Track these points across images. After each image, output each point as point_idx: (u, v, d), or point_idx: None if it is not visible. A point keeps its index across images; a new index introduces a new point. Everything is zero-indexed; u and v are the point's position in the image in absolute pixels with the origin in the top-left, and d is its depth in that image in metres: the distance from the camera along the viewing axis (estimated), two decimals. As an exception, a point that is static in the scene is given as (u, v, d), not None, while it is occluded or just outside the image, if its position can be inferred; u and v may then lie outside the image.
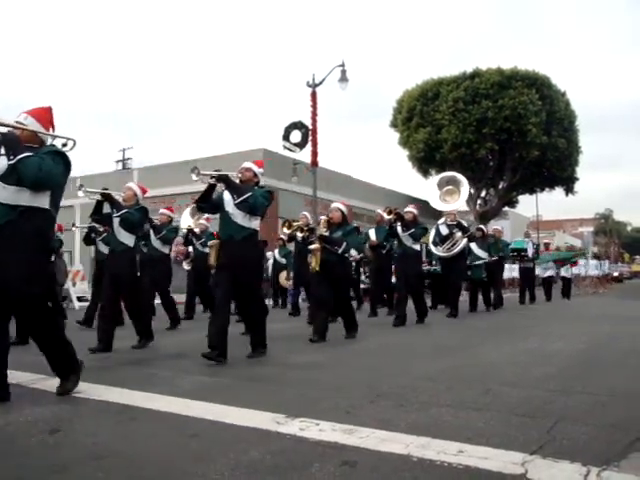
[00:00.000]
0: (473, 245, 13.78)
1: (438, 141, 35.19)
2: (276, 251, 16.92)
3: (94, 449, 3.17)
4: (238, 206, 6.37)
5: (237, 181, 6.71)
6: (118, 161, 39.95)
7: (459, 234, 12.12)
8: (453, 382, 4.99)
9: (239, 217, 6.41)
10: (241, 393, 4.65)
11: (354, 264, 14.13)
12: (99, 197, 7.47)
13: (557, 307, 16.51)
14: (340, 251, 8.17)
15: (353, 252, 13.25)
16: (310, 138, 22.10)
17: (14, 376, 5.29)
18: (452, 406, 4.06)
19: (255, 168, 6.84)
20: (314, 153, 22.17)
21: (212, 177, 6.48)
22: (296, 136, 22.49)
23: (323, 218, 8.70)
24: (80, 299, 16.63)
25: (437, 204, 13.47)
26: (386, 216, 10.91)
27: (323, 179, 24.33)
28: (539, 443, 3.12)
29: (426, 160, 37.34)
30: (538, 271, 23.00)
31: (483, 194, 39.41)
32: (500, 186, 38.83)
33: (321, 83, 22.39)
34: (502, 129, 33.93)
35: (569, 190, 40.84)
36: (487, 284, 14.50)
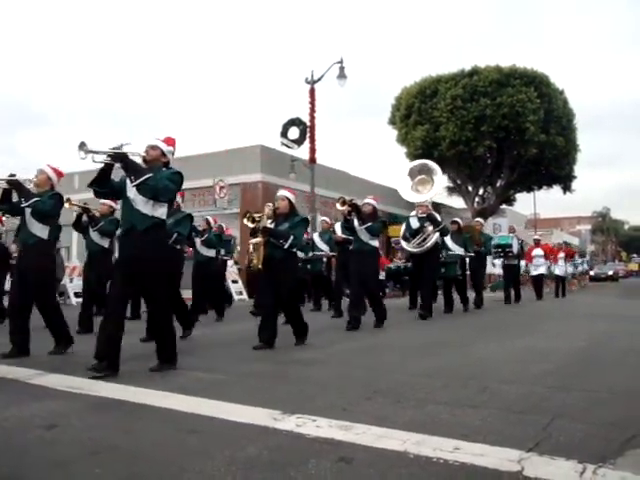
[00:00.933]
0: (448, 239, 12.55)
1: (436, 139, 35.10)
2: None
3: (91, 444, 3.18)
4: (138, 190, 5.36)
5: (139, 161, 5.64)
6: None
7: (430, 228, 10.94)
8: (449, 379, 4.99)
9: (140, 203, 5.42)
10: (238, 389, 4.66)
11: (325, 260, 13.58)
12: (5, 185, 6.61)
13: (552, 305, 16.48)
14: (286, 246, 7.17)
15: (324, 247, 13.05)
16: (308, 135, 22.09)
17: (12, 372, 5.31)
18: (448, 403, 4.07)
19: (163, 146, 5.78)
20: (312, 150, 22.16)
21: (107, 155, 5.41)
22: (294, 133, 22.48)
23: (268, 207, 7.87)
24: (77, 295, 16.59)
25: (408, 195, 12.24)
26: (339, 207, 9.88)
27: (321, 176, 24.30)
28: (536, 440, 3.13)
29: (424, 157, 37.14)
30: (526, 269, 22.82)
31: (481, 192, 39.34)
32: (498, 184, 38.78)
33: (319, 80, 22.36)
34: (500, 127, 33.86)
35: (567, 188, 40.79)
36: (462, 282, 13.60)
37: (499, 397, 4.26)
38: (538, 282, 19.67)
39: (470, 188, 38.61)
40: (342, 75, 22.34)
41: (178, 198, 9.68)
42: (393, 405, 4.05)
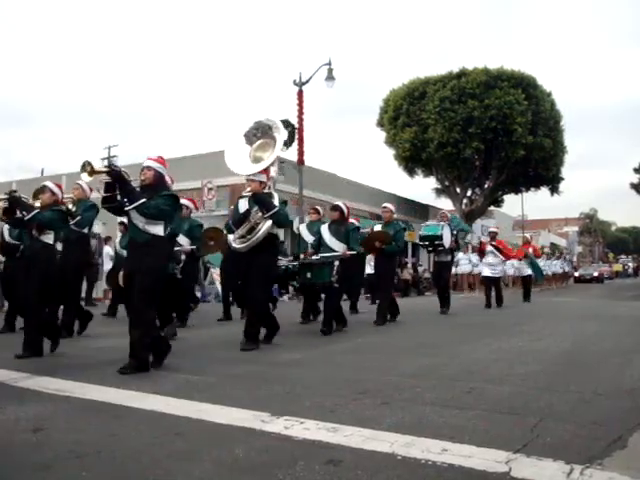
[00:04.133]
0: (325, 232, 9.21)
1: (424, 140, 35.22)
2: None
3: (77, 447, 3.16)
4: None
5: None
6: (103, 158, 39.72)
7: (259, 214, 7.27)
8: (437, 380, 5.00)
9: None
10: (226, 391, 4.64)
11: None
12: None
13: (540, 306, 16.34)
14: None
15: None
16: (296, 137, 22.09)
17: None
18: (436, 404, 4.07)
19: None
20: (300, 152, 22.15)
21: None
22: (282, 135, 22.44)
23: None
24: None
25: (245, 168, 7.80)
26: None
27: (309, 178, 24.29)
28: (523, 441, 3.14)
29: (412, 159, 37.38)
30: (512, 271, 21.60)
31: (469, 193, 39.48)
32: (486, 185, 38.94)
33: (307, 82, 22.36)
34: (488, 129, 34.01)
35: (554, 190, 41.05)
36: (338, 291, 9.15)
37: (486, 398, 4.27)
38: (526, 283, 18.51)
39: (458, 190, 38.75)
40: (330, 77, 22.36)
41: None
42: (381, 406, 4.05)
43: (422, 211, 40.67)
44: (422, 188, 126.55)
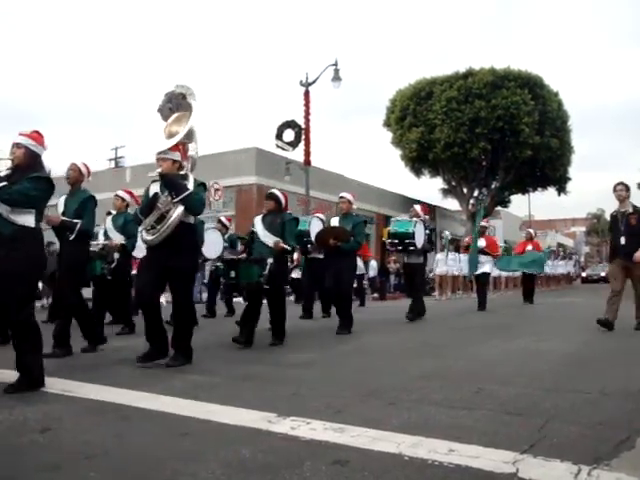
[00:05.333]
0: (258, 225, 7.94)
1: (431, 141, 35.20)
2: None
3: (85, 448, 3.16)
4: None
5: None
6: (110, 159, 39.89)
7: (168, 199, 6.01)
8: (443, 381, 5.00)
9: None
10: (232, 392, 4.65)
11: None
12: None
13: (545, 307, 16.25)
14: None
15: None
16: (303, 137, 22.12)
17: (4, 375, 5.28)
18: (443, 405, 4.07)
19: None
20: (307, 152, 22.20)
21: None
22: (289, 135, 22.52)
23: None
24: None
25: (160, 144, 6.38)
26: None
27: (316, 178, 24.34)
28: (530, 442, 3.13)
29: (419, 160, 37.38)
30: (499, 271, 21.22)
31: (476, 194, 39.42)
32: (493, 186, 38.90)
33: (314, 82, 22.40)
34: (495, 129, 33.98)
35: (561, 190, 40.98)
36: (269, 292, 7.74)
37: (493, 399, 4.26)
38: (528, 282, 17.04)
39: (465, 190, 38.70)
40: (337, 77, 22.41)
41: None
42: (387, 407, 4.04)
43: (429, 211, 40.62)
44: (429, 188, 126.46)
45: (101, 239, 8.72)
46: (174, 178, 6.06)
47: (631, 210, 8.83)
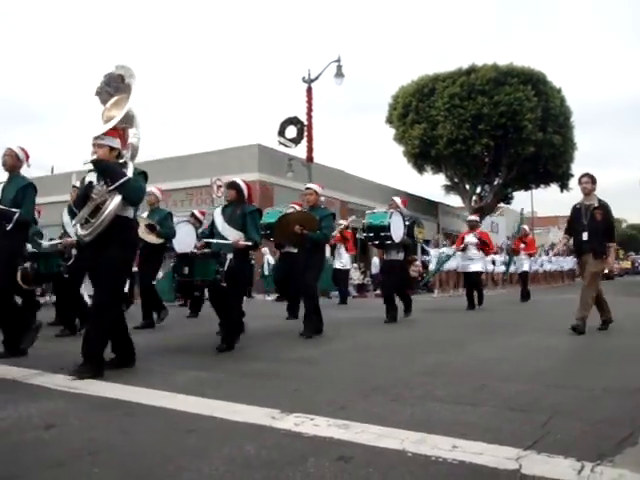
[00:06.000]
0: (217, 216, 7.36)
1: (433, 137, 35.16)
2: None
3: (89, 444, 3.17)
4: None
5: None
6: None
7: (103, 187, 5.36)
8: (447, 377, 5.00)
9: None
10: (236, 388, 4.65)
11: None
12: None
13: (547, 304, 16.25)
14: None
15: None
16: (305, 134, 22.10)
17: (9, 372, 5.30)
18: (446, 401, 4.07)
19: None
20: (309, 149, 22.17)
21: None
22: (291, 132, 22.49)
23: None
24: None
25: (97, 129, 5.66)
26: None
27: (318, 175, 24.27)
28: (533, 438, 3.13)
29: (421, 156, 37.37)
30: (501, 268, 21.10)
31: (478, 190, 39.40)
32: (495, 182, 38.88)
33: (317, 79, 22.37)
34: (498, 125, 33.93)
35: (564, 186, 40.88)
36: (229, 293, 6.94)
37: (497, 395, 4.27)
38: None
39: (467, 186, 38.67)
40: (339, 74, 22.37)
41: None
42: (391, 403, 4.05)
43: (431, 208, 40.62)
44: (431, 185, 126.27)
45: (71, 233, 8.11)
46: (109, 164, 5.45)
47: (597, 204, 8.33)
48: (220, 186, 22.69)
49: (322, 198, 8.79)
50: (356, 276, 25.36)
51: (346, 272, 17.05)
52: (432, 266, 20.59)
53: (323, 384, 4.81)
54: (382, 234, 9.82)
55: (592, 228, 8.16)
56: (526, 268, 16.85)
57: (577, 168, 39.58)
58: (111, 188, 5.25)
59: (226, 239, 6.98)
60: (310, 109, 22.20)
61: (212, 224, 7.37)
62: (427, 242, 23.36)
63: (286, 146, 22.77)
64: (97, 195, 5.30)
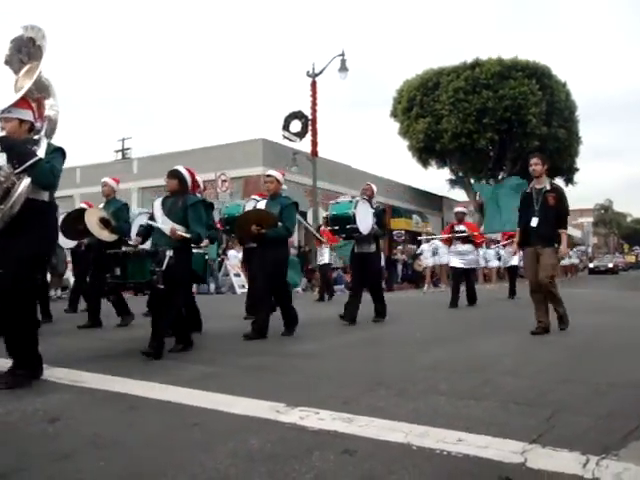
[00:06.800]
0: (157, 208, 6.51)
1: (438, 131, 35.12)
2: None
3: (95, 438, 3.18)
4: None
5: None
6: (117, 151, 39.88)
7: (11, 169, 4.59)
8: (451, 372, 5.00)
9: None
10: (241, 382, 4.65)
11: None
12: None
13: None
14: None
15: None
16: (310, 128, 22.10)
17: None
18: (451, 395, 4.07)
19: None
20: (314, 143, 22.18)
21: None
22: (296, 126, 22.52)
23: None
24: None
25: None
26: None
27: (323, 169, 24.32)
28: (538, 432, 3.13)
29: (426, 150, 37.32)
30: (495, 262, 20.64)
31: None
32: (500, 176, 38.74)
33: (321, 73, 22.37)
34: (502, 119, 33.87)
35: (569, 181, 40.84)
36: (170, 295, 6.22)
37: (501, 389, 4.27)
38: (512, 274, 15.98)
39: (472, 180, 38.57)
40: (344, 68, 22.37)
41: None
42: (396, 397, 4.05)
43: (436, 202, 40.58)
44: (436, 179, 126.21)
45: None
46: (16, 142, 4.70)
47: (549, 187, 7.54)
48: (225, 180, 22.75)
49: (284, 186, 8.19)
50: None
51: (326, 266, 16.41)
52: (425, 260, 20.43)
53: (327, 378, 4.82)
54: (348, 226, 8.79)
55: (543, 214, 7.32)
56: (515, 262, 15.75)
57: (582, 162, 39.55)
58: (18, 171, 4.56)
59: (165, 234, 6.19)
60: (314, 103, 22.21)
61: (151, 218, 6.55)
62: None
63: (291, 140, 22.80)
64: (4, 177, 4.57)
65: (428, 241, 20.72)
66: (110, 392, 4.32)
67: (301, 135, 22.47)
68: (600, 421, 3.39)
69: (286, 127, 22.64)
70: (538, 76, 34.49)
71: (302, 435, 3.19)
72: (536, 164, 7.60)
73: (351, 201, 8.98)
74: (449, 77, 35.18)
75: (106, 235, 8.13)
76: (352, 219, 8.67)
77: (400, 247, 25.68)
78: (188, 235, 6.12)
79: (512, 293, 15.19)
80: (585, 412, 3.58)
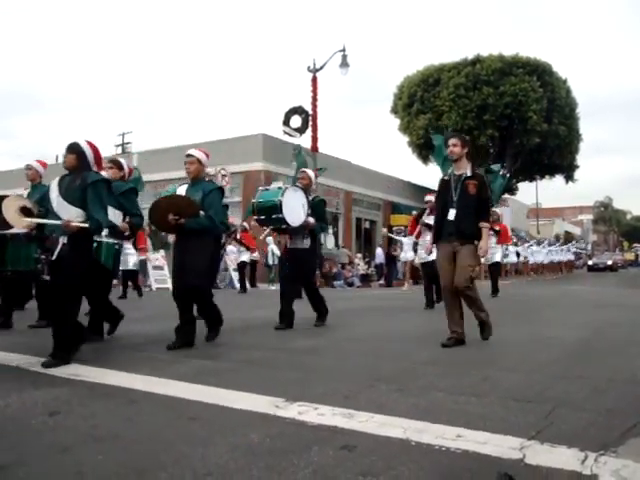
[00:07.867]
0: (53, 190, 5.45)
1: (439, 127, 35.06)
2: None
3: (93, 431, 3.18)
4: None
5: None
6: (117, 145, 39.85)
7: None
8: (451, 367, 5.00)
9: None
10: (241, 377, 4.66)
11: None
12: None
13: (550, 295, 16.27)
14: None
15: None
16: (310, 123, 22.09)
17: (13, 359, 5.32)
18: (450, 391, 4.07)
19: None
20: (314, 138, 22.18)
21: None
22: (296, 121, 22.50)
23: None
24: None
25: None
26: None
27: (323, 165, 24.27)
28: (537, 428, 3.13)
29: (426, 146, 37.20)
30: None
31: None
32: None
33: (322, 68, 22.35)
34: (503, 116, 33.87)
35: (569, 178, 40.88)
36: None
37: (501, 385, 4.27)
38: (494, 271, 15.03)
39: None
40: (344, 63, 22.36)
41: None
42: (395, 393, 4.05)
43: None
44: (436, 175, 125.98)
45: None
46: None
47: (469, 173, 6.34)
48: (225, 175, 22.70)
49: (208, 169, 7.25)
50: (360, 266, 25.41)
51: (243, 263, 18.21)
52: (404, 254, 19.23)
53: (327, 373, 4.82)
54: (274, 216, 7.63)
55: (462, 205, 6.22)
56: (497, 259, 15.04)
57: (582, 159, 39.56)
58: None
59: (61, 219, 5.11)
60: (315, 99, 22.20)
61: (46, 198, 5.51)
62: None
63: (291, 135, 22.78)
64: None
65: (405, 234, 19.66)
66: (109, 386, 4.32)
67: (301, 130, 22.45)
68: (599, 418, 3.39)
69: (286, 122, 22.63)
70: (539, 73, 34.48)
71: (301, 430, 3.19)
72: (454, 145, 6.37)
73: (280, 187, 7.92)
74: (450, 73, 35.15)
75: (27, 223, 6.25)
76: (278, 208, 7.53)
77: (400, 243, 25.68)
78: (86, 225, 5.07)
79: (495, 291, 14.38)
80: (584, 409, 3.58)
